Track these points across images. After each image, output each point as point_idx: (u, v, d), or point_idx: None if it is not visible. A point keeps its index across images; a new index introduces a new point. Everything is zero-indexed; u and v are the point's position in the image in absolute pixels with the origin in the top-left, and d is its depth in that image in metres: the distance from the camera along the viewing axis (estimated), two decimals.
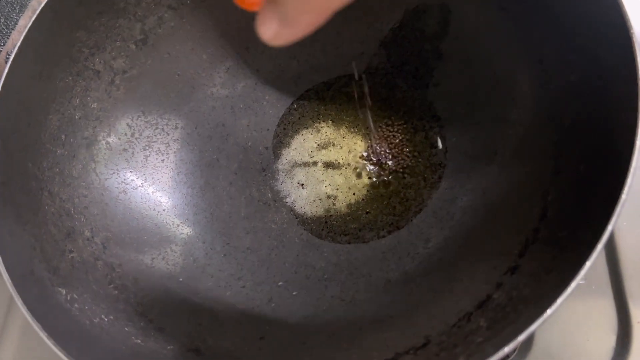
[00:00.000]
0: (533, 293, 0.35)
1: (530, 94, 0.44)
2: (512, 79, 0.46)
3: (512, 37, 0.46)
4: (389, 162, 0.50)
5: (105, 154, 0.48)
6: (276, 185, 0.52)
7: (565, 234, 0.36)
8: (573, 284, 0.30)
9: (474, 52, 0.48)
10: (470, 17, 0.48)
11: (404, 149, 0.50)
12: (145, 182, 0.49)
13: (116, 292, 0.42)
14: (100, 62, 0.49)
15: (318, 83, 0.54)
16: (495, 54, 0.47)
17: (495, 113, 0.47)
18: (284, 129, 0.53)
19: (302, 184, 0.51)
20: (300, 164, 0.52)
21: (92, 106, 0.48)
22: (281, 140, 0.53)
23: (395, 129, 0.51)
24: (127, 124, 0.50)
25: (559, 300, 0.30)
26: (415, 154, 0.50)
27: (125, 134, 0.50)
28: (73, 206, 0.45)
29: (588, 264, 0.31)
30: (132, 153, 0.50)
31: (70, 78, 0.47)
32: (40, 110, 0.45)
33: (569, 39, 0.41)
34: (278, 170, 0.52)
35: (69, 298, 0.39)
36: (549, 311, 0.30)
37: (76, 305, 0.39)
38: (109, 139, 0.49)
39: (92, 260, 0.43)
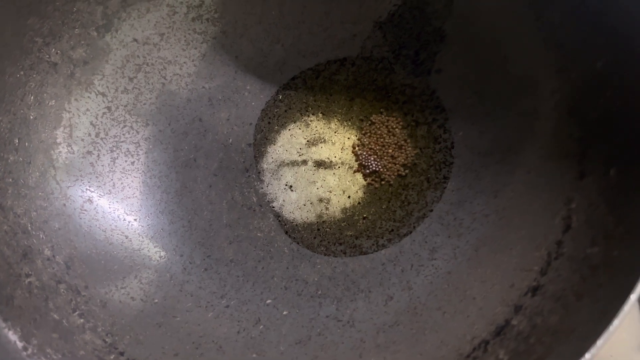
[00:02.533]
0: (562, 323, 0.30)
1: (547, 82, 0.39)
2: (526, 66, 0.40)
3: (525, 18, 0.40)
4: (387, 159, 0.45)
5: (66, 158, 0.43)
6: (261, 188, 0.46)
7: (596, 251, 0.31)
8: (615, 322, 0.26)
9: (481, 34, 0.43)
10: None
11: (404, 145, 0.45)
12: (114, 189, 0.44)
13: (82, 320, 0.37)
14: (56, 52, 0.42)
15: (305, 70, 0.48)
16: (506, 37, 0.41)
17: (507, 104, 0.41)
18: (269, 123, 0.48)
19: (291, 186, 0.46)
20: (287, 163, 0.46)
21: (50, 104, 0.43)
22: (266, 136, 0.47)
23: (394, 122, 0.45)
24: (91, 123, 0.44)
25: (600, 342, 0.26)
26: (417, 150, 0.44)
27: (89, 135, 0.44)
28: (30, 221, 0.39)
29: (633, 297, 0.26)
30: (98, 156, 0.44)
31: (22, 72, 0.41)
32: None
33: (595, 18, 0.35)
34: (263, 171, 0.47)
35: (24, 333, 0.34)
36: (587, 355, 0.25)
37: (34, 341, 0.34)
38: (70, 141, 0.43)
39: (53, 284, 0.38)
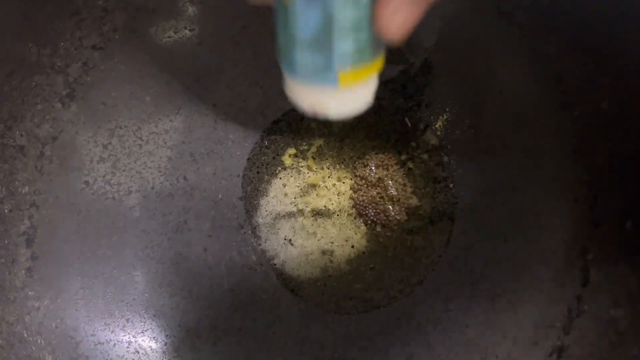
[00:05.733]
0: None
1: (548, 119, 0.37)
2: (524, 100, 0.39)
3: (519, 49, 0.38)
4: (386, 203, 0.43)
5: (51, 246, 0.40)
6: (260, 245, 0.44)
7: (622, 314, 0.31)
8: None
9: (472, 66, 0.41)
10: (463, 23, 0.40)
11: (401, 186, 0.43)
12: (106, 269, 0.42)
13: None
14: (21, 134, 0.39)
15: (288, 111, 0.46)
16: (499, 69, 0.40)
17: (505, 140, 0.40)
18: (258, 172, 0.45)
19: (290, 240, 0.44)
20: (283, 215, 0.44)
21: (23, 191, 0.40)
22: (256, 187, 0.45)
23: (388, 161, 0.43)
24: (71, 202, 0.41)
25: None
26: (416, 190, 0.43)
27: (70, 214, 0.41)
28: (25, 327, 0.37)
29: None
30: (84, 235, 0.42)
31: None
32: None
33: (599, 56, 0.34)
34: (259, 225, 0.45)
35: None
36: None
37: None
38: (52, 227, 0.40)
39: None
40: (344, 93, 0.25)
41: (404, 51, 0.42)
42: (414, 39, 0.41)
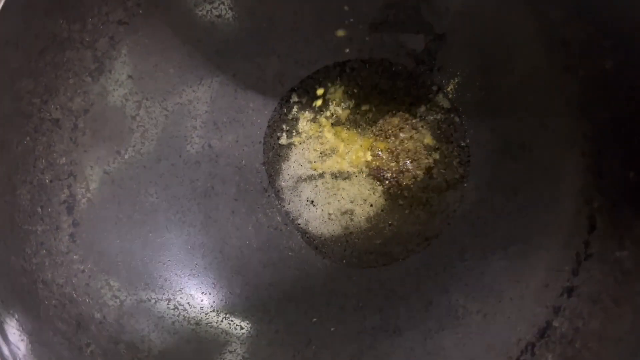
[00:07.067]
0: (606, 329, 0.33)
1: (553, 80, 0.40)
2: (530, 62, 0.41)
3: (525, 14, 0.40)
4: (402, 164, 0.46)
5: (89, 212, 0.42)
6: (284, 206, 0.47)
7: (627, 255, 0.34)
8: None
9: (481, 31, 0.43)
10: None
11: (416, 146, 0.46)
12: (141, 232, 0.44)
13: None
14: (56, 108, 0.41)
15: (305, 79, 0.48)
16: (507, 34, 0.42)
17: (513, 100, 0.43)
18: (278, 138, 0.48)
19: (312, 201, 0.47)
20: (305, 178, 0.47)
21: (61, 162, 0.42)
22: (277, 152, 0.48)
23: (403, 124, 0.46)
24: (105, 171, 0.44)
25: None
26: (430, 150, 0.46)
27: (105, 183, 0.44)
28: (73, 288, 0.40)
29: None
30: (119, 202, 0.44)
31: (29, 138, 0.40)
32: (5, 187, 0.38)
33: (602, 20, 0.36)
34: (282, 189, 0.48)
35: None
36: None
37: None
38: (89, 195, 0.43)
39: (112, 347, 0.39)
40: None
41: (427, 18, 0.44)
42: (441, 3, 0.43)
